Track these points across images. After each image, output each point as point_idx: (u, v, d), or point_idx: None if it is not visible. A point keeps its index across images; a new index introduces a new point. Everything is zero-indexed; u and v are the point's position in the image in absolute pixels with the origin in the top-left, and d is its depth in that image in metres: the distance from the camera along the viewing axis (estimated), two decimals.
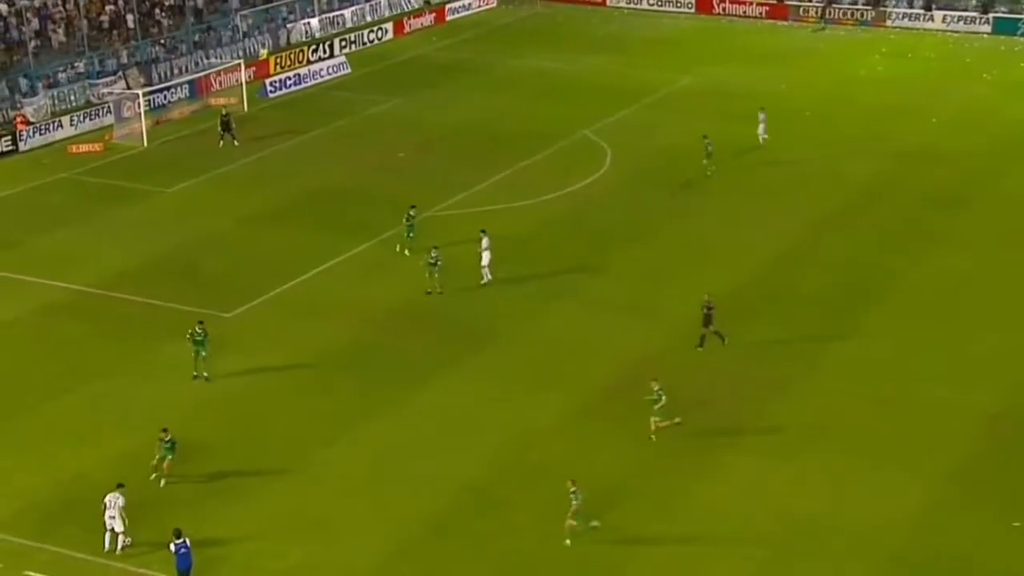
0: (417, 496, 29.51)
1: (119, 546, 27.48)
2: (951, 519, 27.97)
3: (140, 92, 57.65)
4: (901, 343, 36.12)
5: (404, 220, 42.50)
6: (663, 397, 31.11)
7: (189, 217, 46.96)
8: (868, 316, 37.95)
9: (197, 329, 34.84)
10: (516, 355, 36.06)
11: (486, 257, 40.00)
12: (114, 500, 27.45)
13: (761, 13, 79.07)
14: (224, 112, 56.06)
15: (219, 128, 55.08)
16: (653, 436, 31.18)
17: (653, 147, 54.16)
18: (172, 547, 26.03)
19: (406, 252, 42.11)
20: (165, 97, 60.24)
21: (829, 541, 27.67)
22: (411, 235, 42.27)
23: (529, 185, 49.26)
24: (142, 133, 55.70)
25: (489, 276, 40.16)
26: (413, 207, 43.07)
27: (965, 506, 28.64)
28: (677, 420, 31.39)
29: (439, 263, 39.40)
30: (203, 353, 34.85)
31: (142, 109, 56.54)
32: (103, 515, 27.47)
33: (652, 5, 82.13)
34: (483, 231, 40.42)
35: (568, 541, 27.48)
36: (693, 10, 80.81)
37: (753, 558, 27.22)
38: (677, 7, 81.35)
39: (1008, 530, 27.97)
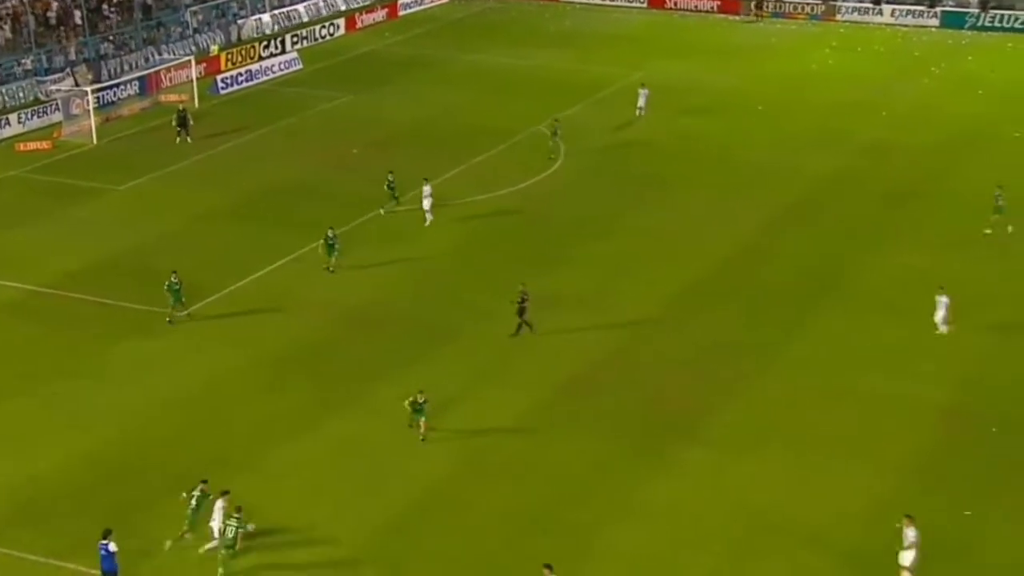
0: (377, 494, 29.49)
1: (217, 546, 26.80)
2: (905, 511, 28.30)
3: (89, 89, 57.18)
4: (856, 338, 36.53)
5: (386, 187, 45.32)
6: (426, 402, 31.16)
7: (141, 215, 46.58)
8: (823, 311, 38.36)
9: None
10: (475, 353, 36.09)
11: (427, 203, 44.00)
12: (220, 504, 27.14)
13: (713, 8, 79.60)
14: (181, 108, 55.69)
15: (175, 124, 54.67)
16: (423, 438, 31.27)
17: (607, 142, 54.34)
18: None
19: (380, 210, 45.01)
20: (115, 94, 59.76)
21: (786, 535, 27.97)
22: (397, 196, 45.26)
23: (484, 180, 49.31)
24: (91, 130, 55.22)
25: (431, 218, 44.08)
26: (391, 173, 45.62)
27: (918, 497, 29.01)
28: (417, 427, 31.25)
29: (336, 244, 40.67)
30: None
31: (91, 106, 56.08)
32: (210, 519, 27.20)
33: (604, 1, 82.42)
34: (425, 179, 44.83)
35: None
36: (645, 5, 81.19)
37: (711, 553, 27.45)
38: (629, 2, 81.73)
39: (961, 519, 28.40)
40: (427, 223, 44.13)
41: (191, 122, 54.97)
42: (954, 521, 28.35)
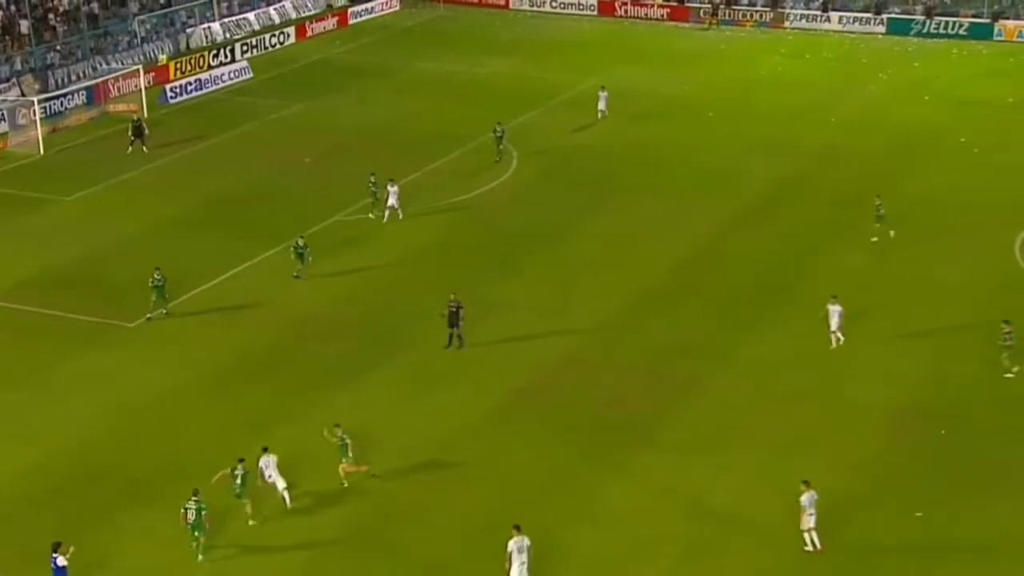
0: (333, 503, 29.28)
1: (288, 500, 28.72)
2: (858, 511, 28.55)
3: (35, 99, 56.75)
4: (809, 341, 36.76)
5: (371, 187, 45.66)
6: (348, 441, 29.69)
7: (90, 225, 46.12)
8: (777, 314, 38.59)
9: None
10: (431, 359, 35.98)
11: (393, 199, 45.12)
12: (268, 461, 28.96)
13: (663, 15, 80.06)
14: (136, 118, 55.03)
15: (130, 134, 54.02)
16: (345, 483, 29.66)
17: (559, 148, 54.48)
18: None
19: (370, 215, 45.74)
20: (62, 104, 59.19)
21: (742, 535, 28.08)
22: (376, 201, 45.53)
23: (437, 188, 49.27)
24: (38, 141, 54.71)
25: (400, 215, 45.22)
26: (373, 174, 46.19)
27: (871, 498, 29.25)
28: (367, 468, 29.91)
29: (306, 253, 40.78)
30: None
31: (37, 116, 55.64)
32: (260, 480, 28.59)
33: (555, 8, 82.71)
34: (391, 180, 45.48)
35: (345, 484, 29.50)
36: (595, 12, 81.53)
37: (668, 555, 27.50)
38: (580, 10, 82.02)
39: (912, 520, 28.63)
40: (397, 219, 45.24)
41: (147, 132, 54.32)
42: (907, 523, 28.56)
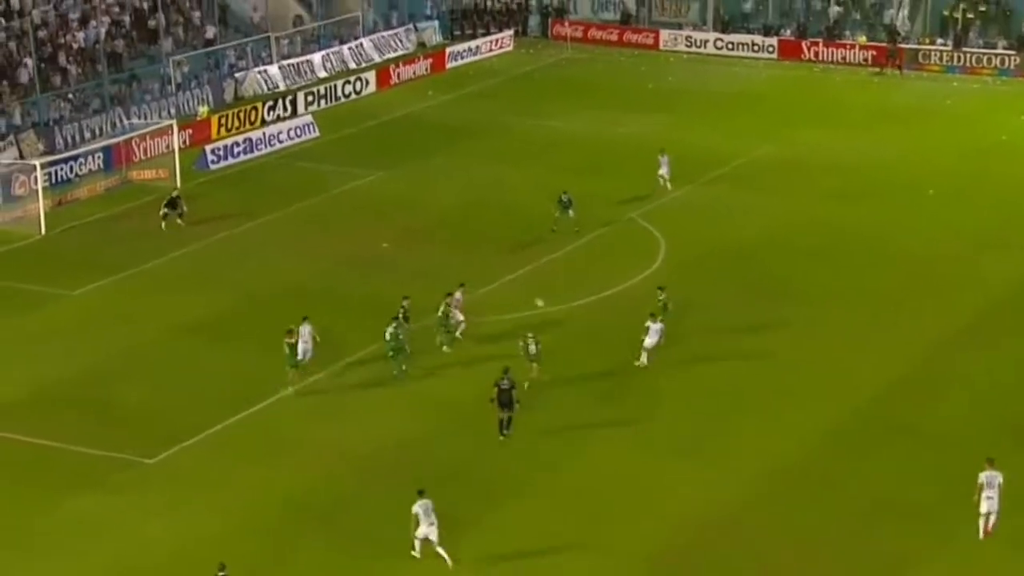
0: None
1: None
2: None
3: (37, 163, 58.14)
4: None
5: (442, 308, 44.88)
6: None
7: (100, 329, 47.20)
8: (1018, 460, 37.78)
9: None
10: (551, 510, 36.04)
11: (458, 315, 45.32)
12: (306, 330, 42.45)
13: (866, 58, 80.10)
14: (175, 193, 56.34)
15: (163, 208, 55.46)
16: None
17: (720, 236, 54.56)
18: None
19: (444, 348, 45.12)
20: (71, 169, 60.70)
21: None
22: (446, 324, 45.09)
23: (558, 285, 49.36)
24: (39, 217, 56.21)
25: (460, 335, 45.45)
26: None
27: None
28: None
29: (533, 349, 42.44)
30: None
31: (40, 185, 56.98)
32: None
33: (719, 49, 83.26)
34: (462, 285, 45.92)
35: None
36: (775, 55, 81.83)
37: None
38: (754, 51, 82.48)
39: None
40: (456, 335, 45.38)
41: (183, 206, 55.73)
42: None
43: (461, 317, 45.30)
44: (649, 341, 43.25)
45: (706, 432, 40.11)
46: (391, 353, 42.95)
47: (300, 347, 42.28)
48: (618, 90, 75.88)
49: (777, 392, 42.34)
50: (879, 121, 69.32)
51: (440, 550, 33.18)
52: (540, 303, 44.50)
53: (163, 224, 55.36)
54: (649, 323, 43.28)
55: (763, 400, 41.86)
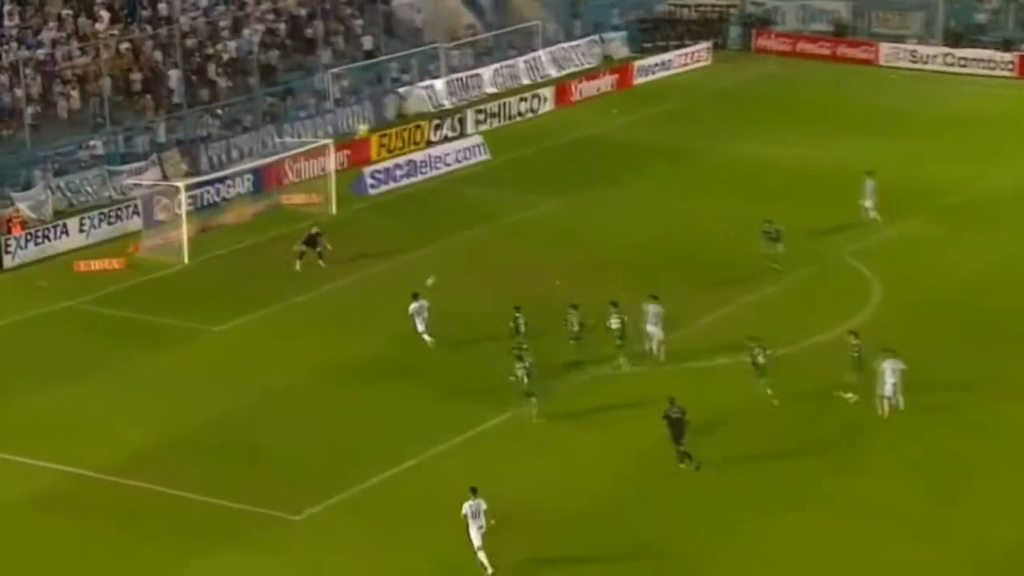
0: None
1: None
2: None
3: (182, 185, 59.00)
4: None
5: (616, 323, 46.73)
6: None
7: (243, 369, 47.61)
8: None
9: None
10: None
11: (653, 328, 46.98)
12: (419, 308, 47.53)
13: None
14: (314, 230, 55.97)
15: (300, 245, 55.47)
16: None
17: (946, 279, 53.42)
18: None
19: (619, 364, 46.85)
20: (218, 192, 61.85)
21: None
22: (622, 339, 46.80)
23: (759, 329, 48.52)
24: (181, 244, 57.02)
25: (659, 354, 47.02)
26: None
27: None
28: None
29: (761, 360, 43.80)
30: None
31: (184, 209, 57.83)
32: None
33: (948, 64, 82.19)
34: (655, 298, 47.24)
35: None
36: (1013, 72, 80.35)
37: None
38: (988, 67, 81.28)
39: None
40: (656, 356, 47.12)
41: (323, 244, 55.49)
42: None
43: (662, 336, 46.95)
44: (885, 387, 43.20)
45: (929, 506, 39.05)
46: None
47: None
48: (828, 110, 75.33)
49: (1009, 464, 41.26)
50: None
51: (481, 555, 34.57)
52: (430, 281, 49.01)
53: (297, 264, 55.22)
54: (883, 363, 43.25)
55: (994, 472, 40.81)
